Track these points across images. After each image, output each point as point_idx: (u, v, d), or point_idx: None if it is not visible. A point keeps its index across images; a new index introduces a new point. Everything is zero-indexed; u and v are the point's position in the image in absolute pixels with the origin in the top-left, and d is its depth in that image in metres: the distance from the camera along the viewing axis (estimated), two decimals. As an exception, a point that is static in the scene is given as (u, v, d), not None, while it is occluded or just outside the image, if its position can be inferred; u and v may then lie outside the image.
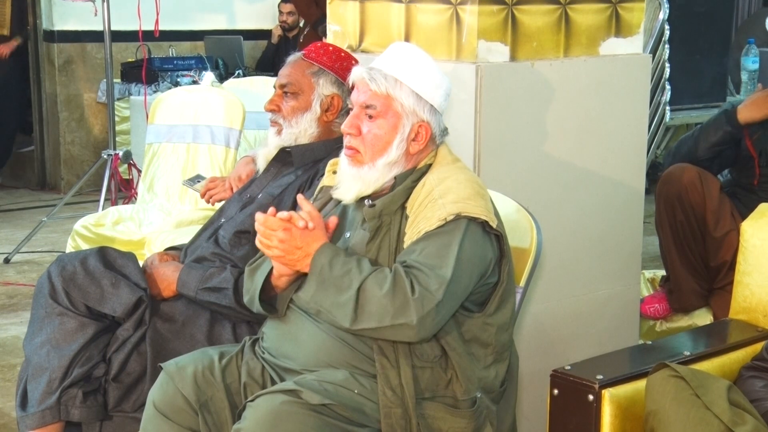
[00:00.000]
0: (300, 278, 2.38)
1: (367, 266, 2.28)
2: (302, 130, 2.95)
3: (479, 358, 2.37)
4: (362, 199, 2.45)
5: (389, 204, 2.40)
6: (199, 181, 3.76)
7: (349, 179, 2.44)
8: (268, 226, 2.30)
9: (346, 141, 2.45)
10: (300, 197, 2.38)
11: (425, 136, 2.41)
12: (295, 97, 2.96)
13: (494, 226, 2.34)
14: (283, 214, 2.32)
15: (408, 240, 2.34)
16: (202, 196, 3.61)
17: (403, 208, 2.40)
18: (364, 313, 2.21)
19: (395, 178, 2.42)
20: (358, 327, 2.23)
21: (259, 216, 2.32)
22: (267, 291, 2.47)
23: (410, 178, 2.42)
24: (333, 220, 2.42)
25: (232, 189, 3.38)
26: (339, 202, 2.50)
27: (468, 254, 2.28)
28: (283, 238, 2.29)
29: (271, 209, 2.33)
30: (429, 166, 2.43)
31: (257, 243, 2.34)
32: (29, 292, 3.98)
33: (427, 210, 2.33)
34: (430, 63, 2.46)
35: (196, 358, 2.49)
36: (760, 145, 3.74)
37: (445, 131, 2.47)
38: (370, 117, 2.41)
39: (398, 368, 2.29)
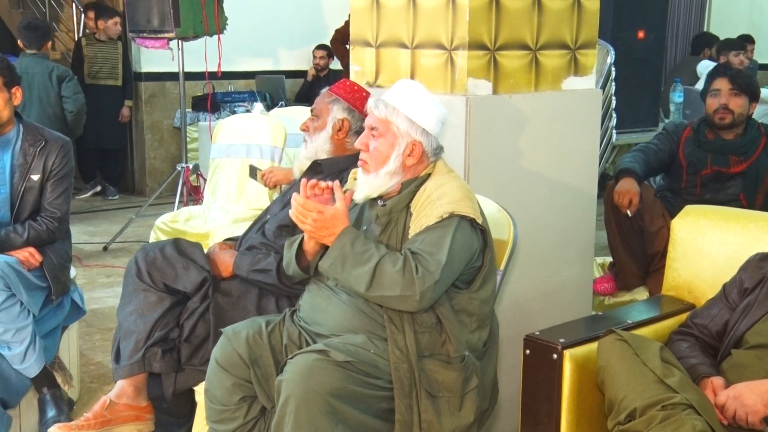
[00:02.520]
0: (325, 247, 2.36)
1: (383, 248, 2.26)
2: (319, 145, 2.93)
3: (466, 324, 2.35)
4: (375, 200, 2.43)
5: (397, 204, 2.38)
6: (255, 171, 3.79)
7: (361, 184, 2.43)
8: (306, 208, 2.29)
9: (360, 155, 2.44)
10: (336, 184, 2.37)
11: (418, 153, 2.38)
12: (317, 120, 2.96)
13: (480, 222, 2.32)
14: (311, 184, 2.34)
15: (412, 232, 2.32)
16: (263, 180, 3.67)
17: (408, 207, 2.38)
18: (379, 283, 2.20)
19: (402, 184, 2.40)
20: (372, 294, 2.21)
21: (297, 197, 2.31)
22: (300, 260, 2.47)
23: (414, 184, 2.40)
24: (349, 194, 2.39)
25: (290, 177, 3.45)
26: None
27: (459, 244, 2.26)
28: (317, 219, 2.28)
29: (303, 180, 2.35)
30: (429, 175, 2.41)
31: (292, 216, 2.33)
32: (122, 273, 3.97)
33: (427, 209, 2.31)
34: (425, 95, 2.42)
35: (248, 325, 2.48)
36: (689, 157, 3.71)
37: (439, 149, 2.42)
38: (374, 136, 2.40)
39: (404, 333, 2.27)
